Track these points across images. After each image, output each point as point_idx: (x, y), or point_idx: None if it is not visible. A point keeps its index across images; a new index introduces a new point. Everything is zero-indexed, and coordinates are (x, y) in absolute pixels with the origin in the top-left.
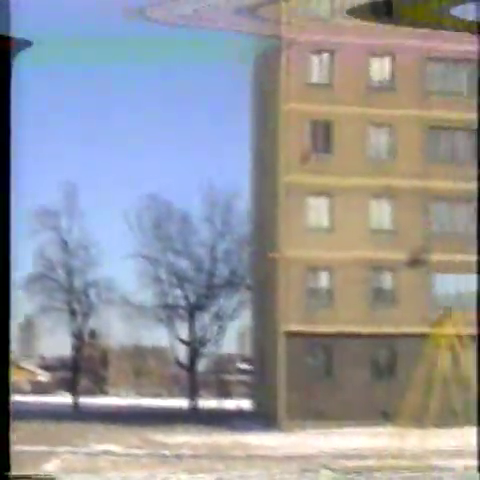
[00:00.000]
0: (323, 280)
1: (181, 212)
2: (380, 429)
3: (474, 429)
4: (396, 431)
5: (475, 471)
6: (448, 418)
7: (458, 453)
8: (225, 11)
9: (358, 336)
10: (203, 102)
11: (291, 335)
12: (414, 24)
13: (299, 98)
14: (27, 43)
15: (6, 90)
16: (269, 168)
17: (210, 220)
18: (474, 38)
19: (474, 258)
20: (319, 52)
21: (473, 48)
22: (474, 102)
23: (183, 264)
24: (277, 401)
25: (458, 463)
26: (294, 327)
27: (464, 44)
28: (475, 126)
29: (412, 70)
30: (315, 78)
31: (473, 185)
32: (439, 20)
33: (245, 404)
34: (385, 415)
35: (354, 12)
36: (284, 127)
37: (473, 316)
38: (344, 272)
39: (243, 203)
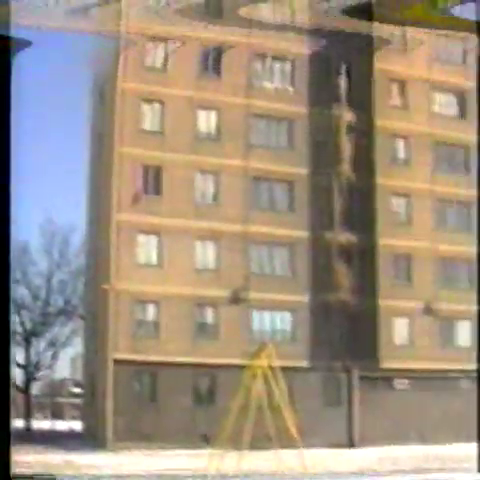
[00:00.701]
0: (150, 312)
1: (20, 243)
2: (200, 451)
3: (284, 451)
4: (215, 453)
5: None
6: (262, 441)
7: (270, 473)
8: (59, 12)
9: (182, 365)
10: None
11: (119, 362)
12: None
13: (132, 143)
14: (27, 43)
15: (6, 90)
16: (103, 205)
17: (48, 252)
18: (297, 96)
19: (288, 297)
20: (151, 101)
21: (293, 108)
22: (292, 156)
23: (21, 292)
24: (106, 423)
25: None
26: (122, 355)
27: (285, 102)
28: (292, 178)
29: (236, 124)
30: (147, 125)
31: (289, 231)
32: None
33: (76, 426)
34: (205, 438)
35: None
36: (117, 168)
37: (285, 350)
38: (170, 306)
39: (79, 237)
